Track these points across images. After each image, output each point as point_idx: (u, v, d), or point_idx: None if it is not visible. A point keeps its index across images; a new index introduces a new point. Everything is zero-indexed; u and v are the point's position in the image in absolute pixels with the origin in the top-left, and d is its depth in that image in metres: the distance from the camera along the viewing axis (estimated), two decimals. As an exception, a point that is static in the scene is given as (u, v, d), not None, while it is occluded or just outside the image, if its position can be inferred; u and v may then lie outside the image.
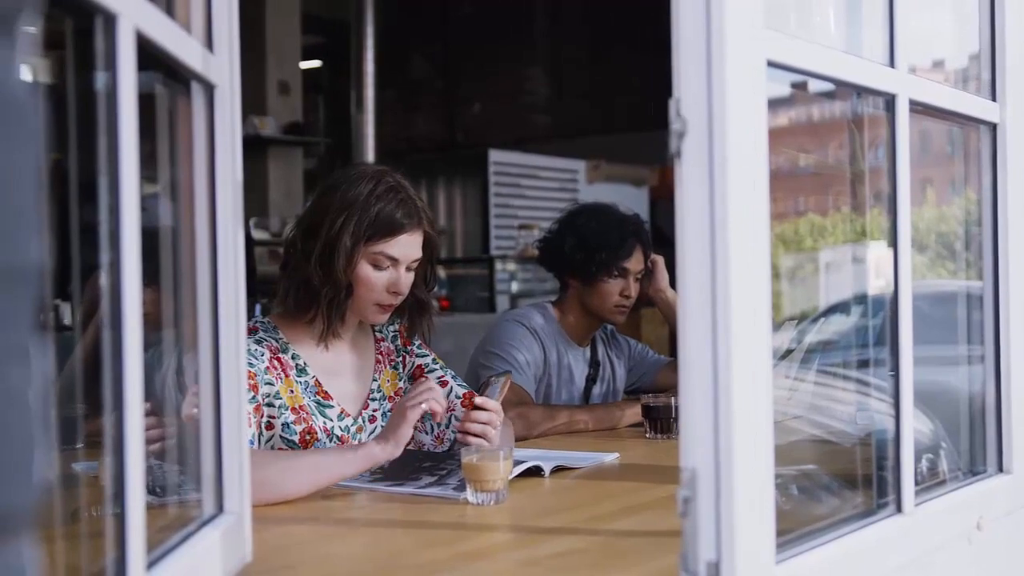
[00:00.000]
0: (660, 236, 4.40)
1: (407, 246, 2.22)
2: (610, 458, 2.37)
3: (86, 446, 1.43)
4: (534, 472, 2.14)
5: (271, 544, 1.60)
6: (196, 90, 1.33)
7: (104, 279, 1.00)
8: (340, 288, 2.19)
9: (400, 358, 2.43)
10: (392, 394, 2.38)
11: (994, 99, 1.80)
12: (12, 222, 0.57)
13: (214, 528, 1.32)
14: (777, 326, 1.27)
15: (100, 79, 1.01)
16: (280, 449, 2.17)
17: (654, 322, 6.21)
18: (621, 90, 9.17)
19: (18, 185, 0.57)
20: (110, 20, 0.99)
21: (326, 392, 2.26)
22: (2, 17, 0.59)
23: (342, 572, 1.58)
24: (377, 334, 2.42)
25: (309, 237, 2.21)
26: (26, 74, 0.61)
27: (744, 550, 1.17)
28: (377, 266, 2.21)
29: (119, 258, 0.99)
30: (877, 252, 1.84)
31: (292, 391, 2.20)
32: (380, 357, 2.40)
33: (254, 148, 7.27)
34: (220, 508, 1.37)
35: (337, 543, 1.71)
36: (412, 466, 2.14)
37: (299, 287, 2.22)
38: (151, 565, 1.08)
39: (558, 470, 2.21)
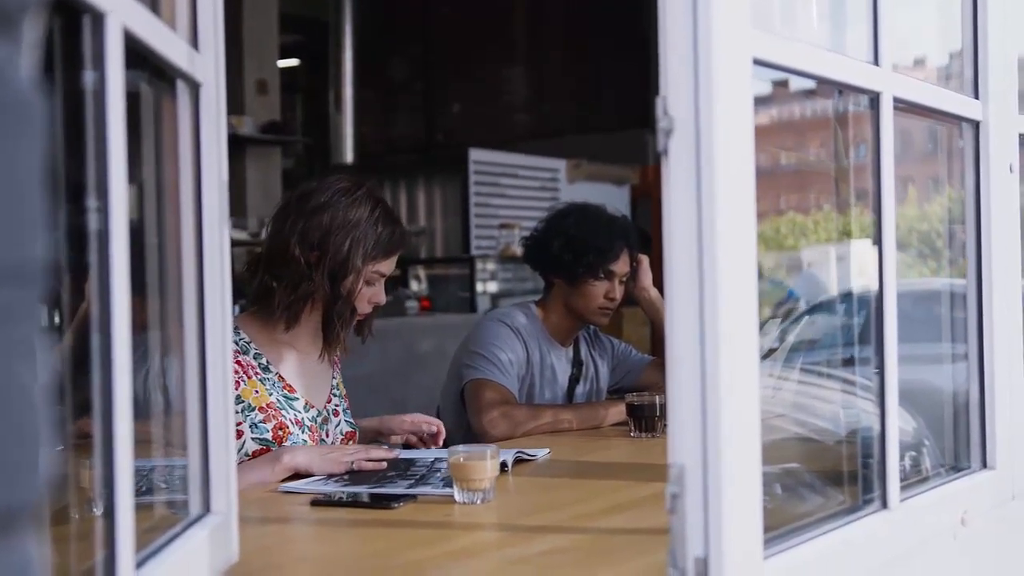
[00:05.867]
0: (641, 235, 4.40)
1: (394, 262, 2.34)
2: (541, 453, 2.37)
3: (65, 448, 1.42)
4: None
5: (257, 544, 1.60)
6: (181, 89, 1.33)
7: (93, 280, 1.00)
8: (349, 306, 2.27)
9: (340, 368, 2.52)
10: (344, 395, 2.47)
11: (977, 97, 1.81)
12: (21, 219, 0.57)
13: (201, 528, 1.31)
14: (760, 325, 1.27)
15: (87, 77, 1.00)
16: (253, 452, 2.18)
17: (635, 321, 6.22)
18: (601, 89, 9.19)
19: (26, 183, 0.57)
20: (98, 18, 0.98)
21: (290, 386, 2.31)
22: (6, 16, 0.59)
23: (329, 572, 1.57)
24: None
25: (308, 250, 2.24)
26: (30, 73, 0.61)
27: (732, 545, 1.17)
28: (369, 283, 2.29)
29: (108, 259, 0.99)
30: (859, 250, 1.85)
31: (257, 391, 2.22)
32: (336, 359, 2.47)
33: (231, 148, 7.16)
34: (207, 508, 1.36)
35: (324, 543, 1.70)
36: (398, 469, 2.14)
37: (303, 300, 2.26)
38: (139, 565, 1.08)
39: (518, 462, 2.23)
